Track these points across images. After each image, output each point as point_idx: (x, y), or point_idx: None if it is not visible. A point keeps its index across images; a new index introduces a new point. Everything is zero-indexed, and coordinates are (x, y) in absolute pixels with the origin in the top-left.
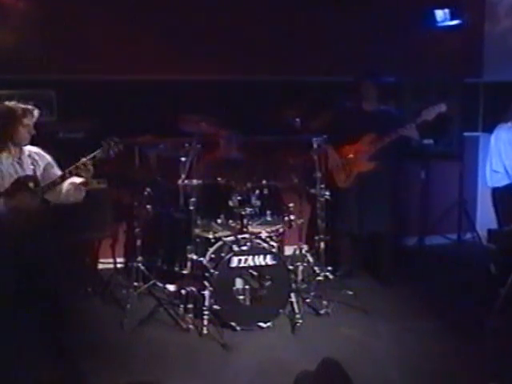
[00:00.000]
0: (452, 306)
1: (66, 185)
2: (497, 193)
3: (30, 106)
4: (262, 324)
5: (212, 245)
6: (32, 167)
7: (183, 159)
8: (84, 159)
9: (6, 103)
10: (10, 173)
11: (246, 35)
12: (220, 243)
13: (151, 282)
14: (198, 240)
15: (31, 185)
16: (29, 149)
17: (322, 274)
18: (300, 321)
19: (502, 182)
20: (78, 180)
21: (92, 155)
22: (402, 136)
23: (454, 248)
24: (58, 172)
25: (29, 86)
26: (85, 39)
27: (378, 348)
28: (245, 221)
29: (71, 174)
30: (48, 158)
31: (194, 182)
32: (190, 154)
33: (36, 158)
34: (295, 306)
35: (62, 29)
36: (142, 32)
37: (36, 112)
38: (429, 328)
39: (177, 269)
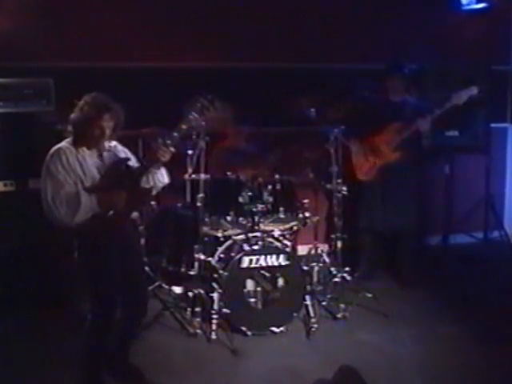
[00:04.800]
0: (478, 309)
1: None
2: None
3: (112, 104)
4: (274, 329)
5: (221, 244)
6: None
7: (190, 152)
8: (174, 134)
9: (89, 96)
10: (92, 174)
11: (257, 20)
12: (230, 242)
13: (156, 284)
14: (206, 239)
15: (123, 174)
16: (108, 144)
17: (339, 275)
18: (315, 325)
19: None
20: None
21: (185, 121)
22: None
23: (480, 247)
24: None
25: (25, 75)
26: (84, 24)
27: (399, 355)
28: (256, 218)
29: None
30: (127, 151)
31: (202, 176)
32: (198, 147)
33: (118, 152)
34: (310, 309)
35: (60, 13)
36: (145, 18)
37: (119, 111)
38: (453, 333)
39: (183, 270)
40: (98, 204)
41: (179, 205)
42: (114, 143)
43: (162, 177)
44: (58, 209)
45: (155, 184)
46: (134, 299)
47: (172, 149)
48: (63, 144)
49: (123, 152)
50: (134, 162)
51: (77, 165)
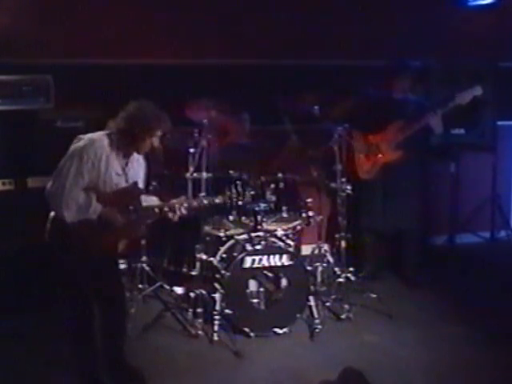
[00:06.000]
0: (485, 310)
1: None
2: None
3: (165, 117)
4: (277, 330)
5: (223, 244)
6: (134, 179)
7: (192, 150)
8: (194, 203)
9: (146, 104)
10: (108, 181)
11: (258, 15)
12: (232, 242)
13: (157, 285)
14: (207, 238)
15: (132, 205)
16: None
17: (343, 275)
18: (319, 326)
19: None
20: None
21: (207, 201)
22: (426, 126)
23: (486, 247)
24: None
25: (24, 71)
26: (84, 20)
27: (403, 356)
28: (259, 217)
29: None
30: (144, 166)
31: (204, 174)
32: (200, 145)
33: (139, 165)
34: (314, 310)
35: (59, 10)
36: (145, 13)
37: (169, 125)
38: (459, 335)
39: (185, 270)
40: (99, 214)
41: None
42: (138, 156)
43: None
44: (68, 204)
45: (147, 220)
46: (108, 299)
47: (185, 212)
48: (102, 137)
49: (142, 166)
50: (142, 181)
51: (104, 167)
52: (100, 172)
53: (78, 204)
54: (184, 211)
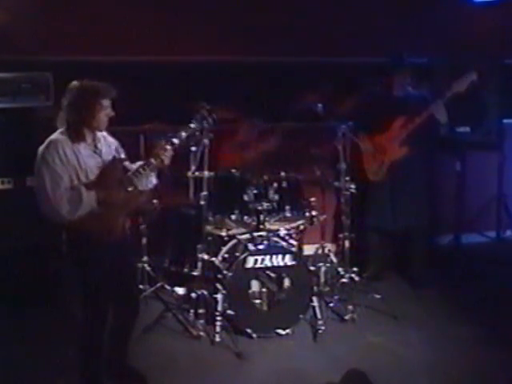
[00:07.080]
0: (491, 311)
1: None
2: None
3: (107, 85)
4: (280, 331)
5: (225, 243)
6: (110, 157)
7: (194, 149)
8: (174, 140)
9: (82, 82)
10: (88, 167)
11: (263, 14)
12: (234, 242)
13: (158, 285)
14: (209, 238)
15: (120, 176)
16: (101, 134)
17: (347, 275)
18: (322, 327)
19: None
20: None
21: (184, 132)
22: (431, 119)
23: (492, 247)
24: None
25: (23, 68)
26: (85, 17)
27: (408, 357)
28: (261, 217)
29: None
30: (117, 143)
31: (206, 173)
32: (202, 144)
33: (109, 144)
34: (317, 310)
35: (59, 6)
36: (148, 9)
37: (114, 92)
38: (465, 336)
39: (186, 270)
40: (96, 201)
41: (182, 203)
42: (104, 134)
43: (153, 179)
44: (60, 204)
45: (146, 186)
46: (125, 300)
47: (171, 152)
48: (57, 135)
49: (114, 145)
50: (121, 153)
51: (74, 157)
52: (75, 165)
53: (68, 199)
54: (170, 152)
